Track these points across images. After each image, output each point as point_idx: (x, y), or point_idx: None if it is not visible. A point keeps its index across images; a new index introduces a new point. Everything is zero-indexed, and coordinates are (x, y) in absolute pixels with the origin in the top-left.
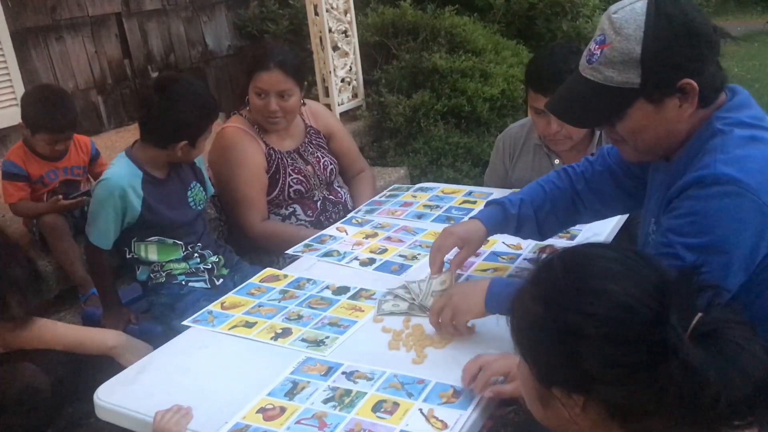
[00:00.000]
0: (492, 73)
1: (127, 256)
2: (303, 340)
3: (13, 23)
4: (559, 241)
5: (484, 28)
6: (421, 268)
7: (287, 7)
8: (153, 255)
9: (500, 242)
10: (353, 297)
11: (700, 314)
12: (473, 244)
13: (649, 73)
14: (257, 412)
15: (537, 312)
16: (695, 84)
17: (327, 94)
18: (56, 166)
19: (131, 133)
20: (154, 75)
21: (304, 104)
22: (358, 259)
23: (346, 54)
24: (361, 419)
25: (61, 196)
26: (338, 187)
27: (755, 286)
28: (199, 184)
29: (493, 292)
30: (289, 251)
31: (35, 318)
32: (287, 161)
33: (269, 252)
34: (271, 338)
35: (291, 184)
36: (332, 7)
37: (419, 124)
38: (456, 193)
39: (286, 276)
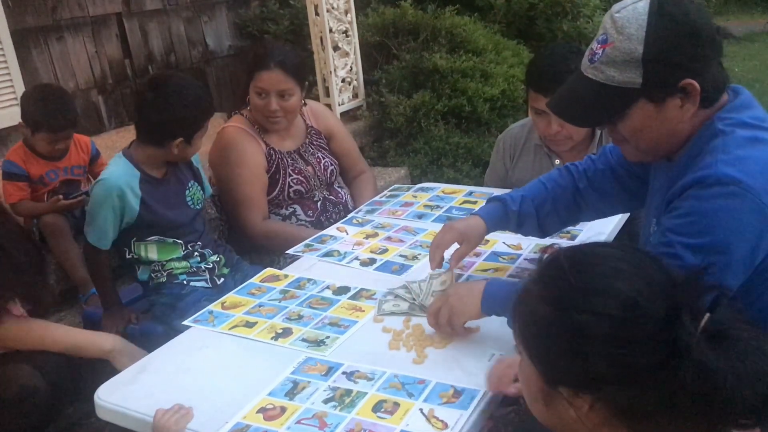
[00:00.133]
0: (492, 74)
1: (127, 257)
2: (303, 340)
3: (14, 23)
4: (559, 242)
5: (484, 28)
6: (421, 268)
7: (288, 7)
8: (153, 254)
9: (501, 242)
10: (354, 297)
11: (708, 314)
12: (473, 240)
13: (651, 73)
14: (258, 411)
15: (544, 312)
16: (697, 84)
17: (327, 94)
18: (56, 166)
19: (132, 133)
20: None
21: (305, 104)
22: (359, 259)
23: (347, 54)
24: (362, 419)
25: (61, 196)
26: (338, 187)
27: (755, 287)
28: (197, 184)
29: (489, 293)
30: (290, 251)
31: (33, 318)
32: (287, 161)
33: (270, 252)
34: (272, 338)
35: (291, 184)
36: (333, 7)
37: (420, 125)
38: (456, 193)
39: (286, 276)
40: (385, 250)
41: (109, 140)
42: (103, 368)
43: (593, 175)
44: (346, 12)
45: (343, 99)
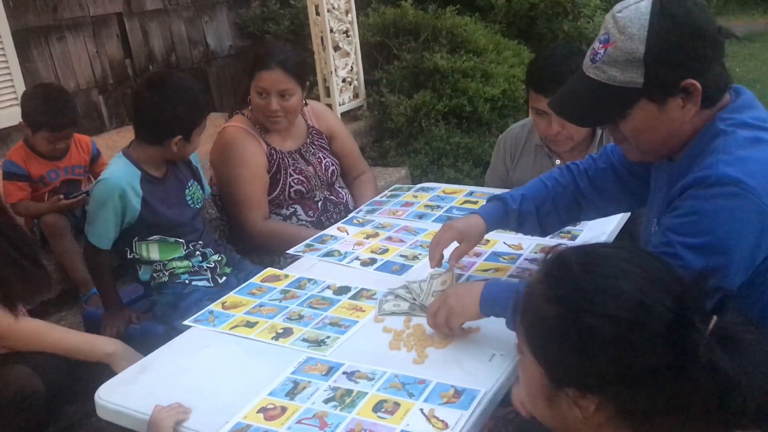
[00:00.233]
0: (493, 74)
1: (128, 257)
2: (304, 339)
3: (15, 23)
4: (560, 242)
5: (485, 28)
6: (422, 268)
7: (288, 7)
8: (155, 254)
9: (501, 242)
10: (354, 297)
11: (715, 317)
12: (472, 239)
13: (653, 73)
14: (258, 411)
15: (551, 312)
16: (698, 84)
17: (328, 94)
18: (57, 166)
19: (132, 133)
20: None
21: (306, 104)
22: (359, 259)
23: (348, 54)
24: (362, 419)
25: (62, 195)
26: (339, 187)
27: (756, 287)
28: (196, 183)
29: (488, 294)
30: (290, 251)
31: (34, 319)
32: (288, 161)
33: (270, 252)
34: (272, 338)
35: (292, 184)
36: (333, 7)
37: (420, 125)
38: (457, 194)
39: (287, 276)
40: (386, 250)
41: (110, 140)
42: (101, 369)
43: (594, 174)
44: (347, 12)
45: (343, 99)
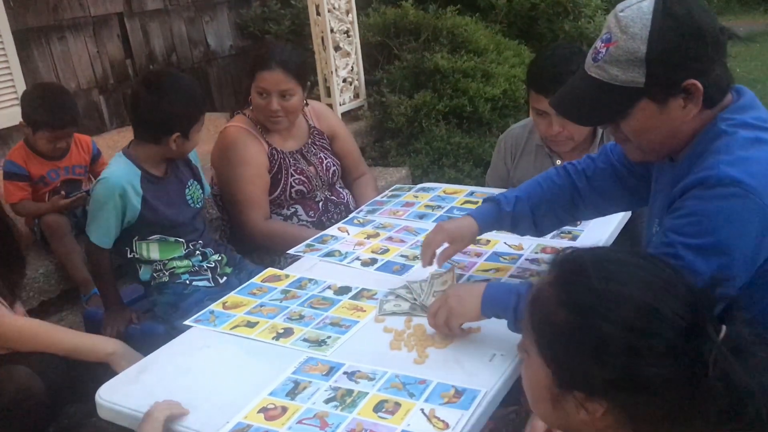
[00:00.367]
0: (494, 74)
1: (129, 256)
2: (304, 340)
3: (16, 23)
4: (561, 242)
5: (485, 28)
6: (422, 269)
7: (289, 7)
8: (155, 253)
9: (502, 242)
10: (355, 297)
11: (724, 326)
12: (461, 241)
13: (654, 73)
14: (259, 411)
15: (563, 317)
16: (700, 85)
17: (329, 94)
18: (57, 166)
19: (133, 133)
20: None
21: (307, 104)
22: (360, 259)
23: (348, 54)
24: (363, 419)
25: (63, 193)
26: (340, 187)
27: (757, 288)
28: (196, 182)
29: (490, 296)
30: (291, 251)
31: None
32: (290, 161)
33: (271, 252)
34: (273, 338)
35: (293, 184)
36: (334, 7)
37: (421, 125)
38: (458, 194)
39: (287, 276)
40: (387, 250)
41: (111, 140)
42: (102, 369)
43: (593, 175)
44: (348, 12)
45: (344, 99)
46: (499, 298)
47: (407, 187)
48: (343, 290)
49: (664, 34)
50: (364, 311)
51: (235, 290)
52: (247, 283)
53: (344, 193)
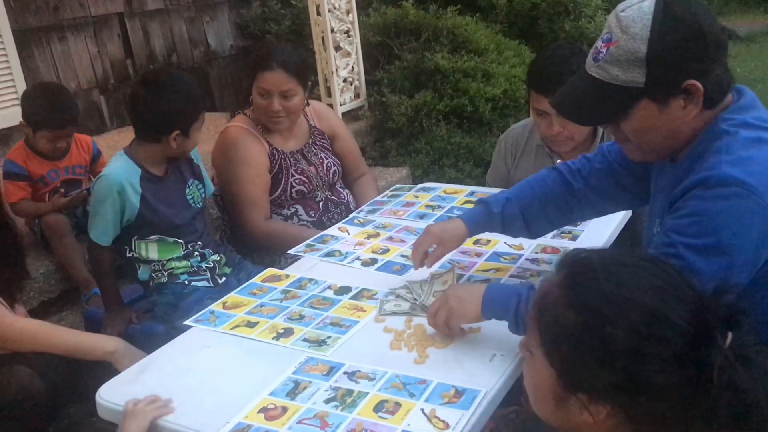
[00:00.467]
0: (494, 74)
1: (128, 255)
2: (305, 340)
3: (16, 23)
4: (561, 242)
5: (486, 28)
6: (422, 269)
7: (289, 7)
8: (153, 253)
9: (502, 242)
10: (355, 297)
11: (731, 333)
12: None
13: (654, 73)
14: (259, 411)
15: (573, 319)
16: (700, 85)
17: (329, 94)
18: (57, 166)
19: (133, 132)
20: None
21: (308, 104)
22: (360, 259)
23: (349, 54)
24: (363, 419)
25: (62, 190)
26: (341, 187)
27: (758, 289)
28: (197, 182)
29: (490, 297)
30: (291, 251)
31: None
32: (290, 161)
33: (271, 252)
34: (273, 338)
35: (293, 184)
36: (334, 7)
37: (421, 124)
38: (458, 194)
39: (287, 276)
40: (387, 250)
41: (111, 140)
42: (102, 369)
43: (589, 175)
44: (348, 12)
45: (344, 99)
46: (499, 300)
47: (407, 187)
48: (344, 290)
49: (665, 34)
50: (365, 311)
51: (236, 290)
52: (248, 283)
53: (345, 193)
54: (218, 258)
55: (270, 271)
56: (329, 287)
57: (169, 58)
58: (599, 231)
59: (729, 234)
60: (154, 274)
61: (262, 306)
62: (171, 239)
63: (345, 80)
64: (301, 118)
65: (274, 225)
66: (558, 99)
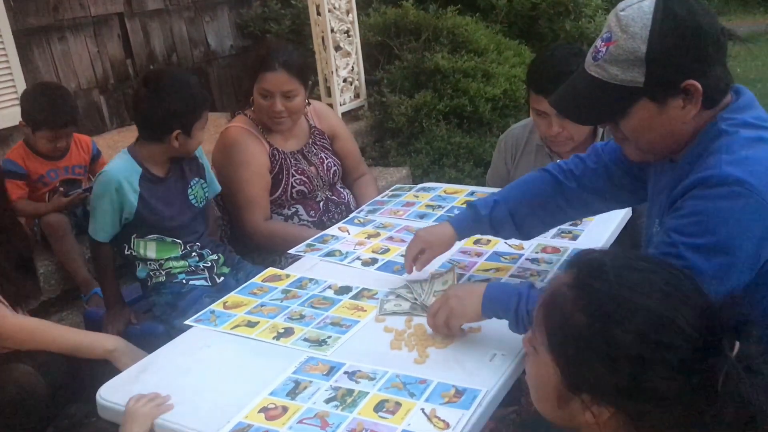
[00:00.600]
0: (494, 74)
1: (126, 253)
2: (305, 339)
3: (16, 23)
4: (561, 242)
5: (486, 28)
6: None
7: (289, 6)
8: (152, 252)
9: (502, 242)
10: (355, 297)
11: (738, 343)
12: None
13: (654, 73)
14: (259, 411)
15: (582, 321)
16: (699, 86)
17: (329, 94)
18: (57, 165)
19: (133, 132)
20: None
21: (308, 104)
22: (360, 259)
23: (348, 54)
24: (363, 419)
25: (62, 189)
26: (341, 187)
27: (759, 288)
28: (201, 180)
29: (490, 296)
30: (291, 251)
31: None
32: (291, 162)
33: (271, 252)
34: (273, 338)
35: (294, 184)
36: (334, 7)
37: (421, 124)
38: (458, 193)
39: (288, 276)
40: (387, 250)
41: (111, 140)
42: (102, 369)
43: (583, 175)
44: (348, 12)
45: (344, 99)
46: (499, 299)
47: (408, 187)
48: (344, 290)
49: (665, 34)
50: (365, 311)
51: (236, 290)
52: (248, 282)
53: (345, 193)
54: (216, 257)
55: (270, 270)
56: (329, 287)
57: (169, 58)
58: (599, 231)
59: (729, 233)
60: (152, 273)
61: (262, 306)
62: (169, 239)
63: (345, 80)
64: (301, 118)
65: (274, 225)
66: (557, 98)
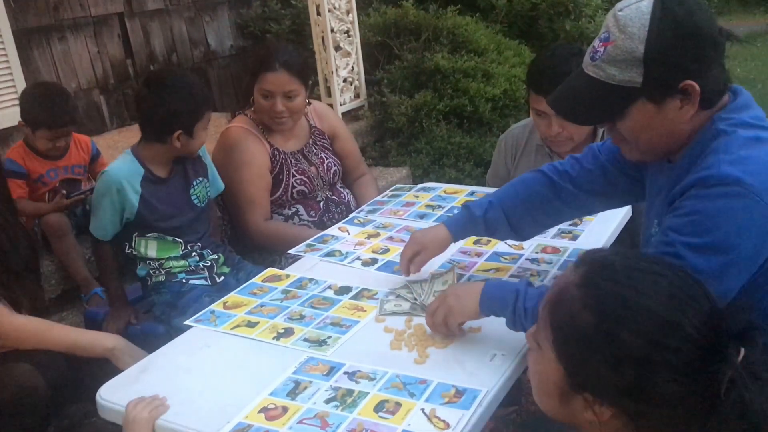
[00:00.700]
0: (494, 74)
1: (126, 251)
2: (305, 339)
3: (16, 23)
4: (561, 242)
5: (486, 28)
6: (423, 269)
7: (289, 6)
8: (152, 251)
9: (502, 242)
10: (355, 297)
11: (743, 349)
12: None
13: (651, 73)
14: (259, 411)
15: (588, 320)
16: (697, 86)
17: (329, 94)
18: (56, 165)
19: (133, 132)
20: None
21: (309, 104)
22: (360, 259)
23: (349, 54)
24: (364, 419)
25: (64, 192)
26: (341, 187)
27: (758, 288)
28: (205, 180)
29: (488, 293)
30: (291, 251)
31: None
32: (291, 162)
33: (271, 252)
34: (273, 338)
35: (294, 184)
36: (334, 7)
37: (421, 124)
38: (458, 193)
39: (288, 276)
40: (387, 250)
41: (111, 140)
42: (102, 368)
43: (578, 175)
44: (348, 12)
45: (344, 99)
46: (497, 296)
47: (408, 187)
48: (344, 290)
49: (663, 34)
50: (365, 311)
51: (236, 290)
52: (248, 282)
53: (345, 193)
54: (216, 257)
55: (270, 270)
56: (329, 287)
57: (169, 58)
58: (599, 230)
59: (728, 233)
60: (151, 272)
61: (262, 306)
62: (170, 238)
63: (345, 80)
64: (301, 118)
65: (274, 225)
66: (555, 98)
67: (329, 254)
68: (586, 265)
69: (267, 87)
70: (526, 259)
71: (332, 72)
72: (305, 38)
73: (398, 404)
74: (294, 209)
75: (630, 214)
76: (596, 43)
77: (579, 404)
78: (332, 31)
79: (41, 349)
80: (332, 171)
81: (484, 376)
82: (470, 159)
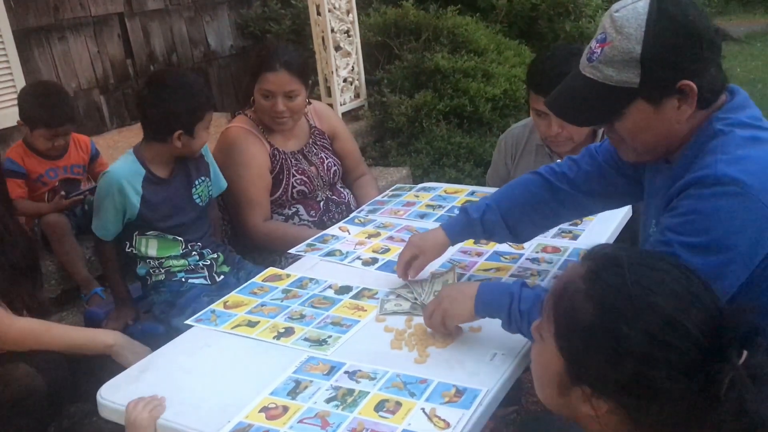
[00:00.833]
0: (494, 73)
1: (126, 250)
2: (305, 339)
3: (16, 23)
4: (561, 241)
5: (486, 28)
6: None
7: (289, 6)
8: (152, 250)
9: None
10: (356, 296)
11: (746, 351)
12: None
13: (649, 74)
14: (260, 411)
15: (591, 313)
16: (694, 86)
17: (329, 94)
18: (56, 165)
19: (133, 132)
20: None
21: (309, 104)
22: (361, 259)
23: (349, 54)
24: (364, 418)
25: (63, 193)
26: (341, 187)
27: (755, 287)
28: (207, 179)
29: (482, 296)
30: (292, 251)
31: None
32: (291, 162)
33: (271, 252)
34: (274, 337)
35: (294, 184)
36: (334, 7)
37: (421, 124)
38: (458, 193)
39: (288, 275)
40: (387, 250)
41: (111, 140)
42: (102, 368)
43: (576, 177)
44: (348, 12)
45: (344, 99)
46: (492, 299)
47: (408, 187)
48: (344, 290)
49: (659, 34)
50: (365, 311)
51: (236, 290)
52: (248, 282)
53: (345, 193)
54: (216, 256)
55: (271, 270)
56: (330, 287)
57: (169, 58)
58: (600, 230)
59: (725, 232)
60: (151, 271)
61: (262, 305)
62: (171, 237)
63: (345, 80)
64: (302, 117)
65: (274, 225)
66: (552, 99)
67: (329, 254)
68: (592, 259)
69: (267, 87)
70: (527, 259)
71: (332, 72)
72: (305, 38)
73: (398, 404)
74: (294, 209)
75: (630, 214)
76: (593, 44)
77: (577, 397)
78: (332, 31)
79: (41, 350)
80: (332, 171)
81: (485, 376)
82: (470, 159)
